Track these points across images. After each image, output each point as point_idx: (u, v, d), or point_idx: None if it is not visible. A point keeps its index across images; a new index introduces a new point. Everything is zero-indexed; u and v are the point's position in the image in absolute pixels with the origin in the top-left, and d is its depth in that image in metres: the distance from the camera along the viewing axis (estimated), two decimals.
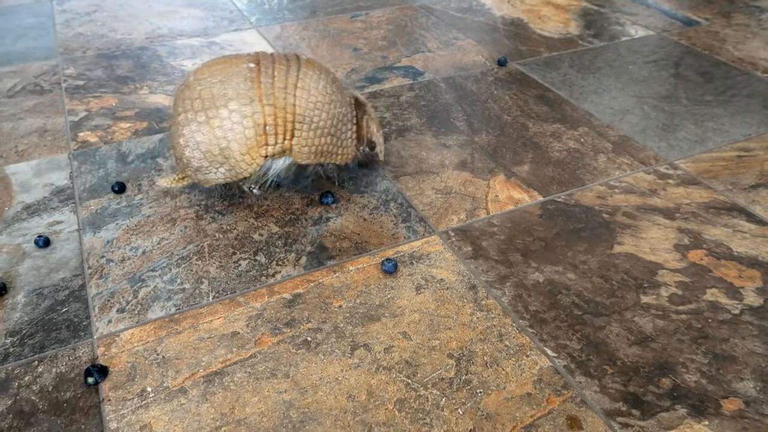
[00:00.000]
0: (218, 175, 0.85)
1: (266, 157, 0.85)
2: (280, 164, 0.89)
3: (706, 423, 0.63)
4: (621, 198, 0.95)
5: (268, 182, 0.91)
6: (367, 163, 0.99)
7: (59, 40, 1.47)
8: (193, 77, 0.84)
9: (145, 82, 1.28)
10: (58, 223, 0.89)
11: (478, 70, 1.34)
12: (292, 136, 0.84)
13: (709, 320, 0.74)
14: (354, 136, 0.90)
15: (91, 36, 1.50)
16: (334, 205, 0.92)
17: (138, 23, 1.57)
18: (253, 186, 0.92)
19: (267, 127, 0.82)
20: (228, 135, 0.81)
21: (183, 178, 0.90)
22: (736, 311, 0.76)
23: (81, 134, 1.10)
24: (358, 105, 0.91)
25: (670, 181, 0.99)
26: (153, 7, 1.66)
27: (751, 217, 0.91)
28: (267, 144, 0.83)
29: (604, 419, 0.63)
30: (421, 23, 1.58)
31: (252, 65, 0.83)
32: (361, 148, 0.94)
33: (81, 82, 1.28)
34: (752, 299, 0.77)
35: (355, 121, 0.89)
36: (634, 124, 1.15)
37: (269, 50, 1.42)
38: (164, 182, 0.91)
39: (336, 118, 0.86)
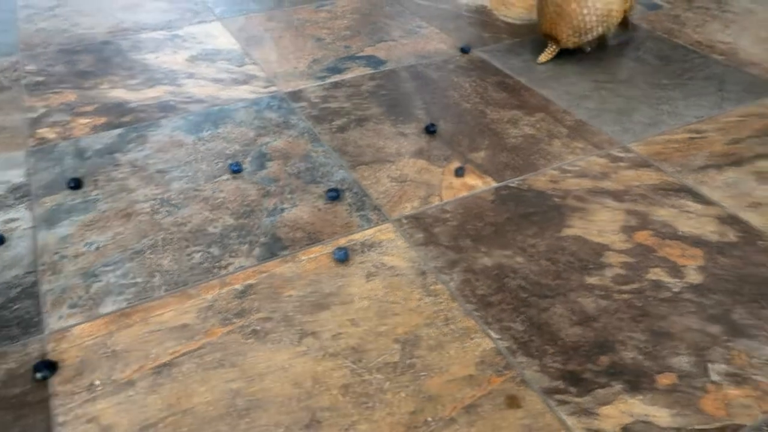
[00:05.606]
0: (594, 34, 1.27)
1: (624, 12, 1.29)
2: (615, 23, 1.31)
3: (640, 397, 0.65)
4: (573, 182, 0.97)
5: (606, 39, 1.39)
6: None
7: (21, 36, 1.46)
8: None
9: (107, 77, 1.28)
10: (13, 220, 0.89)
11: (440, 58, 1.34)
12: None
13: (650, 299, 0.76)
14: None
15: (54, 31, 1.49)
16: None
17: (102, 17, 1.56)
18: (588, 46, 1.36)
19: None
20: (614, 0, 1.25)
21: (553, 51, 1.31)
22: (677, 289, 0.78)
23: (39, 131, 1.10)
24: None
25: (622, 164, 1.01)
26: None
27: (697, 197, 0.93)
28: (626, 3, 1.28)
29: (543, 397, 0.65)
30: (386, 12, 1.58)
31: None
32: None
33: (41, 78, 1.27)
34: (693, 277, 0.79)
35: None
36: (591, 109, 1.16)
37: (233, 42, 1.41)
38: (543, 58, 1.31)
39: None
